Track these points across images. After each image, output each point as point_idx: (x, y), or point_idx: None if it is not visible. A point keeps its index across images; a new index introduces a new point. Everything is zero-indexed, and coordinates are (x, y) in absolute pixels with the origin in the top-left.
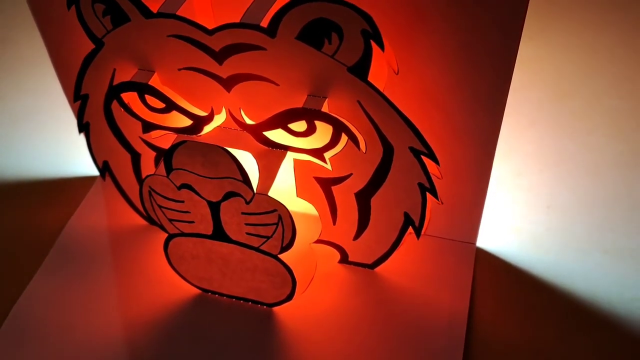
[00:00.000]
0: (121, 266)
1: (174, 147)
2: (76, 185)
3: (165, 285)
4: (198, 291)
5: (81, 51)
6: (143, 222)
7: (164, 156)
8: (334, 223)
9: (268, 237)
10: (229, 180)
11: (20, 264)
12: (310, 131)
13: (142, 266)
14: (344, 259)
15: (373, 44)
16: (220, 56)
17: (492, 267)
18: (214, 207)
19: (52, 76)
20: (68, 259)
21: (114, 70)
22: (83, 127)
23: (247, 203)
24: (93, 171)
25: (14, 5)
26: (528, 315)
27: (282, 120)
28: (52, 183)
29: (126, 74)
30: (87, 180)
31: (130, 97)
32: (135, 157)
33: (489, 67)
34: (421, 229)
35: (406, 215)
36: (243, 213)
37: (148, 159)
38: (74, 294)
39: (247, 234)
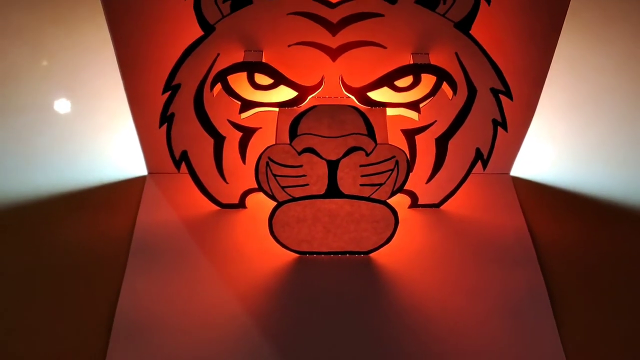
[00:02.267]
0: (207, 250)
1: (302, 114)
2: (125, 188)
3: (260, 258)
4: (295, 257)
5: (149, 54)
6: (211, 208)
7: (290, 125)
8: (412, 170)
9: (381, 184)
10: (354, 136)
11: (105, 267)
12: (415, 84)
13: (228, 246)
14: (414, 203)
15: (482, 0)
16: (336, 27)
17: (529, 190)
18: (332, 166)
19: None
20: (150, 253)
21: (217, 55)
22: (166, 119)
23: (368, 155)
24: (135, 173)
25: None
26: (569, 219)
27: (390, 78)
28: (98, 190)
29: (230, 58)
30: (134, 182)
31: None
32: (219, 141)
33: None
34: (488, 161)
35: (477, 150)
36: (361, 165)
37: (232, 141)
38: (171, 283)
39: (361, 185)
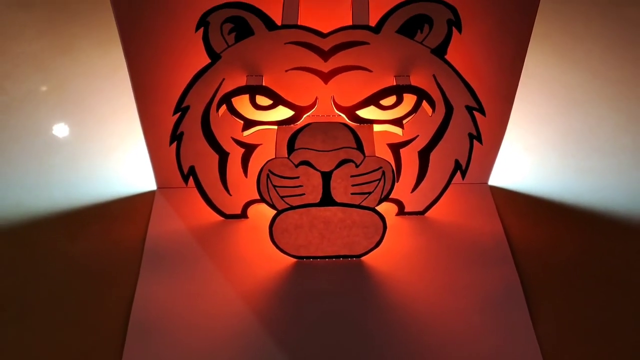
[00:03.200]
0: (213, 257)
1: (298, 131)
2: (136, 201)
3: (261, 263)
4: (293, 261)
5: (162, 81)
6: (216, 219)
7: (288, 141)
8: (398, 180)
9: (370, 193)
10: (345, 149)
11: (120, 273)
12: (398, 103)
13: (232, 253)
14: (401, 211)
15: (454, 29)
16: (328, 54)
17: (505, 197)
18: (326, 177)
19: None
20: (161, 260)
21: (223, 80)
22: (176, 138)
23: (357, 166)
24: (145, 188)
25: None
26: (542, 223)
27: (376, 98)
28: (112, 204)
29: (234, 82)
30: (145, 196)
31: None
32: (223, 157)
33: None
34: (466, 171)
35: (456, 161)
36: (352, 176)
37: (235, 156)
38: (180, 286)
39: (352, 194)
